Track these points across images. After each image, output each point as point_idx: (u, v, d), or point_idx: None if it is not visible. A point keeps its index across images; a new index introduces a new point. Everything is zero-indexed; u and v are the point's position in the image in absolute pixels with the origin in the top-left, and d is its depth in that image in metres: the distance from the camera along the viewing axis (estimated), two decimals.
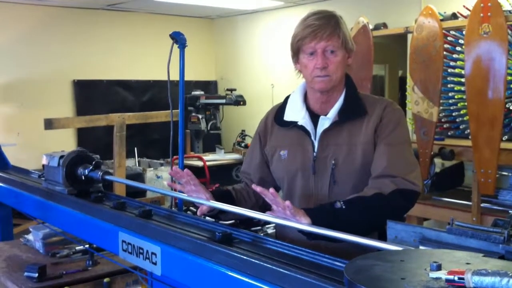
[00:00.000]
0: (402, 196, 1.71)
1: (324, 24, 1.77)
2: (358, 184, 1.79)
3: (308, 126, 1.87)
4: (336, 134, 1.83)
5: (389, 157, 1.75)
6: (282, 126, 1.95)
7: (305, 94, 1.95)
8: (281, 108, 1.98)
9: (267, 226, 3.65)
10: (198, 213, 1.85)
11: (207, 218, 1.96)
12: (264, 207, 1.82)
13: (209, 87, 7.47)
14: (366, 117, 1.83)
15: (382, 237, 1.50)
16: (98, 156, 2.38)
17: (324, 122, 1.85)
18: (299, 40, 1.81)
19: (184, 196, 1.92)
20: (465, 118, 3.86)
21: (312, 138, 1.86)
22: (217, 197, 1.87)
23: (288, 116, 1.94)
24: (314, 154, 1.84)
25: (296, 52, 1.85)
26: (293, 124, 1.90)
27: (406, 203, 1.75)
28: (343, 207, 1.63)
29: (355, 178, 1.80)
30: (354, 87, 1.91)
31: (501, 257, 1.09)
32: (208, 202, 1.82)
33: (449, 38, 3.97)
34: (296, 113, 1.92)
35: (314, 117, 1.89)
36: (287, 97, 1.99)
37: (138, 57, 6.82)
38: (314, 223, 1.56)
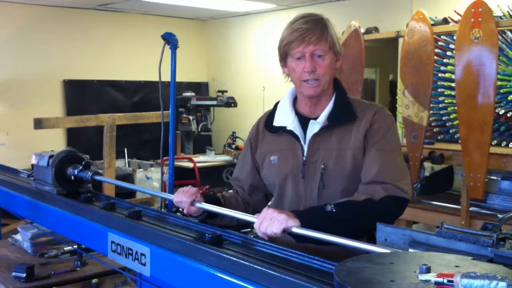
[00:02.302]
0: (393, 203, 1.71)
1: (312, 28, 1.76)
2: (347, 188, 1.78)
3: (297, 130, 1.87)
4: (326, 139, 1.82)
5: (380, 163, 1.75)
6: (272, 132, 1.94)
7: (294, 98, 1.95)
8: (271, 114, 1.97)
9: None
10: (185, 211, 1.84)
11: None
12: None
13: (200, 88, 7.47)
14: (356, 122, 1.82)
15: (371, 242, 1.49)
16: (88, 156, 2.37)
17: (314, 127, 1.84)
18: (286, 44, 1.80)
19: (173, 197, 1.91)
20: (455, 123, 3.89)
21: (302, 142, 1.85)
22: (205, 202, 1.86)
23: (278, 121, 1.93)
24: (304, 158, 1.84)
25: (283, 56, 1.84)
26: (283, 129, 1.90)
27: (396, 210, 1.75)
28: (334, 210, 1.62)
29: (345, 183, 1.80)
30: (343, 92, 1.90)
31: (490, 260, 1.10)
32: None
33: (440, 43, 3.99)
34: (285, 118, 1.91)
35: (304, 121, 1.88)
36: (277, 103, 1.99)
37: (130, 57, 6.81)
38: (303, 225, 1.55)
